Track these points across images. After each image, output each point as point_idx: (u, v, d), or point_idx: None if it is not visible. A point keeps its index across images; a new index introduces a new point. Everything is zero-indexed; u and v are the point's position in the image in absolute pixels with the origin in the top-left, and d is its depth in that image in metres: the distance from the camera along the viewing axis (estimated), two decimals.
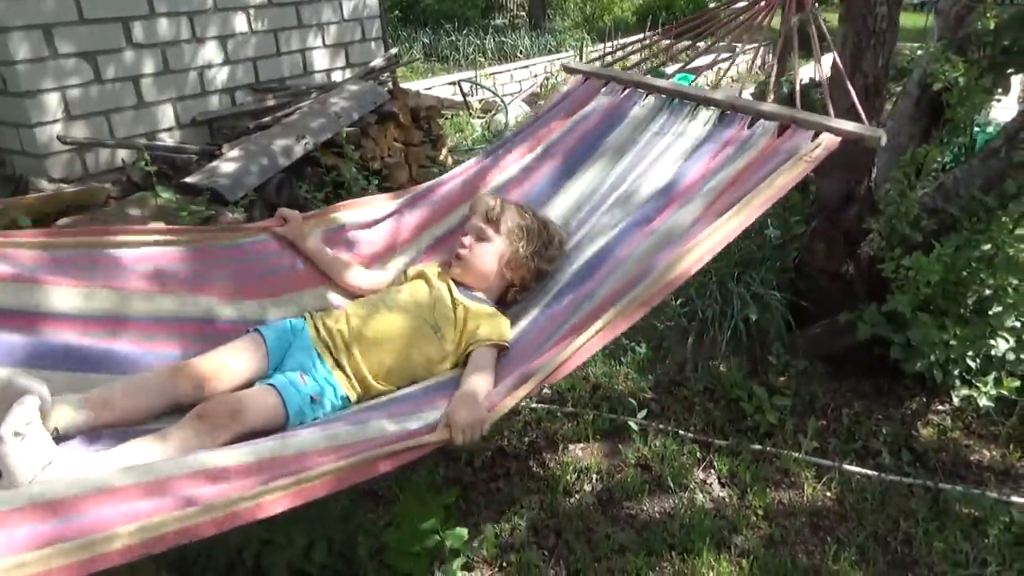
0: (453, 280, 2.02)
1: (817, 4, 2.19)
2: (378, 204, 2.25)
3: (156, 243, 1.87)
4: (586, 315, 1.67)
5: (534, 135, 2.41)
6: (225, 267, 1.96)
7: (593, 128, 2.36)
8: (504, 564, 1.94)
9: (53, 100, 3.47)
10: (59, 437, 1.44)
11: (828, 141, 1.83)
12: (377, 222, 2.22)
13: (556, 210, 2.24)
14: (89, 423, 1.49)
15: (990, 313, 2.36)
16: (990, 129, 3.64)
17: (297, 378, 1.68)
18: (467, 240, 2.06)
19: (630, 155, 2.23)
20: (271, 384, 1.65)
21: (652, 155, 2.17)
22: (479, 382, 1.67)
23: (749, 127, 2.04)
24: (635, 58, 3.04)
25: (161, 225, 2.03)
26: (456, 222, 2.26)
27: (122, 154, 3.73)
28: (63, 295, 1.65)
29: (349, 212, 2.20)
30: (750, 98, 2.24)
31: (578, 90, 2.49)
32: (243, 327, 1.85)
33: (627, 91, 2.40)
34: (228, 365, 1.70)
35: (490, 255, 2.04)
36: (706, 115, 2.15)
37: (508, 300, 2.10)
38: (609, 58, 2.82)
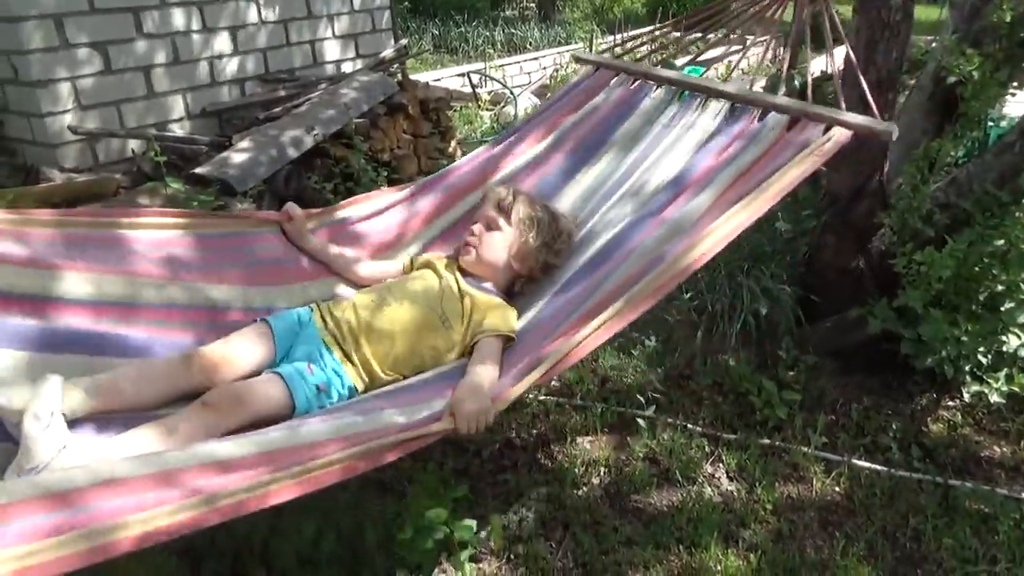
0: (461, 270, 2.02)
1: None
2: (385, 196, 2.26)
3: (165, 226, 1.89)
4: (594, 305, 1.67)
5: (544, 124, 2.40)
6: (233, 255, 1.97)
7: (603, 119, 2.36)
8: (511, 556, 1.94)
9: (64, 90, 3.48)
10: (69, 422, 1.45)
11: (839, 135, 1.82)
12: (383, 211, 2.23)
13: (566, 201, 2.24)
14: (98, 408, 1.50)
15: (1002, 309, 2.34)
16: (1004, 124, 3.60)
17: (304, 368, 1.69)
18: (476, 229, 2.05)
19: (640, 147, 2.22)
20: (277, 372, 1.66)
21: (662, 147, 2.16)
22: (484, 372, 1.67)
23: (760, 120, 2.02)
24: (645, 50, 3.03)
25: (171, 209, 2.04)
26: (465, 211, 2.26)
27: (132, 144, 3.74)
28: (75, 280, 1.66)
29: (355, 207, 2.21)
30: (760, 91, 2.22)
31: (588, 80, 2.49)
32: (251, 316, 1.86)
33: (637, 83, 2.39)
34: (236, 354, 1.70)
35: (499, 245, 2.03)
36: (716, 108, 2.15)
37: (515, 291, 2.09)
38: (619, 50, 2.81)
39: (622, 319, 1.59)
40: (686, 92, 2.26)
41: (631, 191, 2.10)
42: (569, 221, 2.12)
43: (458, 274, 2.00)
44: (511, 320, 1.91)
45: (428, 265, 2.05)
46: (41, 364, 1.52)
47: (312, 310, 1.87)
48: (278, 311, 1.88)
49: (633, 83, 2.40)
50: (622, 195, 2.12)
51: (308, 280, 2.05)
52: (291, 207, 2.07)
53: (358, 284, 2.10)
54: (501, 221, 2.04)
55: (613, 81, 2.44)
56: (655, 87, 2.33)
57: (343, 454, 1.31)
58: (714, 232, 1.67)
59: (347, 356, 1.78)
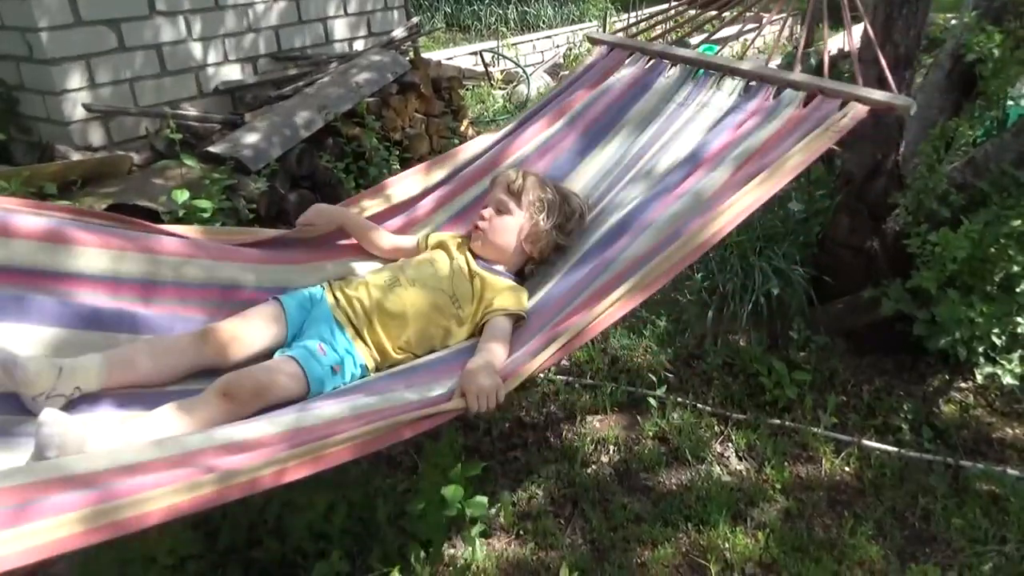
0: (472, 253, 2.03)
1: None
2: (402, 184, 2.25)
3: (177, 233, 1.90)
4: (608, 281, 1.68)
5: (557, 107, 2.38)
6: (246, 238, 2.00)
7: (617, 99, 2.34)
8: (521, 532, 1.96)
9: (78, 68, 3.49)
10: (82, 398, 1.49)
11: (856, 110, 1.81)
12: (401, 205, 2.23)
13: (578, 182, 2.23)
14: (113, 383, 1.54)
15: (1018, 291, 2.31)
16: None
17: (316, 348, 1.70)
18: (487, 213, 2.05)
19: (654, 126, 2.20)
20: (292, 356, 1.66)
21: (676, 126, 2.15)
22: (494, 351, 1.68)
23: (775, 97, 2.01)
24: (660, 29, 3.00)
25: (188, 227, 2.01)
26: (476, 195, 2.25)
27: (145, 122, 3.76)
28: (95, 257, 1.68)
29: (372, 200, 2.20)
30: (776, 68, 2.20)
31: (602, 61, 2.46)
32: (265, 295, 1.87)
33: (652, 62, 2.38)
34: (248, 333, 1.73)
35: (510, 229, 2.03)
36: (731, 86, 2.14)
37: (526, 273, 2.09)
38: (633, 29, 2.78)
39: (636, 297, 1.60)
40: (700, 71, 2.25)
41: (644, 170, 2.09)
42: (581, 201, 2.11)
43: (469, 255, 2.02)
44: (522, 300, 1.92)
45: (441, 245, 2.06)
46: (63, 340, 1.56)
47: (324, 288, 1.89)
48: (291, 290, 1.90)
49: (648, 62, 2.38)
50: (635, 174, 2.11)
51: (322, 259, 2.07)
52: (307, 218, 2.06)
53: (373, 257, 2.13)
54: (512, 205, 2.03)
55: (627, 60, 2.42)
56: (669, 66, 2.32)
57: (357, 431, 1.33)
58: (730, 208, 1.67)
59: (359, 335, 1.80)
